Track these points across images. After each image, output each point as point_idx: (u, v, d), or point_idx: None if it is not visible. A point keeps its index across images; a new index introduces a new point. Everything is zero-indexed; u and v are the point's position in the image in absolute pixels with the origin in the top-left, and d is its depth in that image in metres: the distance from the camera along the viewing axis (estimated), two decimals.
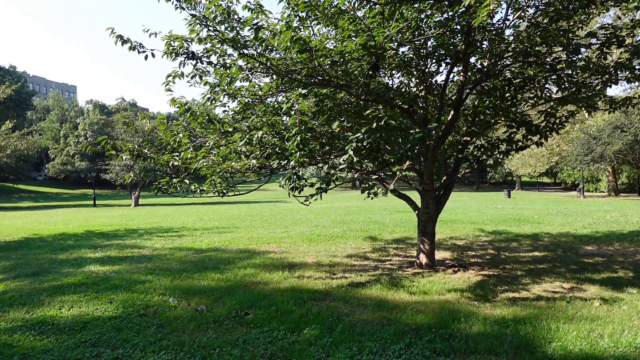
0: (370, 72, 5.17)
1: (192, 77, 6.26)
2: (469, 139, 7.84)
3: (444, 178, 7.79)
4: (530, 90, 7.35)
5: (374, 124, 5.31)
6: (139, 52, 5.88)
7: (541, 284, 6.01)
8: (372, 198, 5.52)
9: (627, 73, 6.48)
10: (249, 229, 14.11)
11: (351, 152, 5.49)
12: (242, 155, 6.84)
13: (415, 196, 8.22)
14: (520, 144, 7.52)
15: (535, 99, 7.56)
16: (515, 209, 21.10)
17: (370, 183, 5.72)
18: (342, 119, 5.71)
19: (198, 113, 5.21)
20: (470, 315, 4.59)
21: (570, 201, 30.61)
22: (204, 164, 5.39)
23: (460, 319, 4.50)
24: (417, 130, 5.43)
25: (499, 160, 7.78)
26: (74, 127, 66.61)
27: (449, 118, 7.21)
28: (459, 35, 5.80)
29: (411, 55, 6.01)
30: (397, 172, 4.89)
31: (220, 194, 5.93)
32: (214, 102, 5.24)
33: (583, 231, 11.91)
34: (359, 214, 19.25)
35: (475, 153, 7.68)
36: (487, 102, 7.48)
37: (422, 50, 6.38)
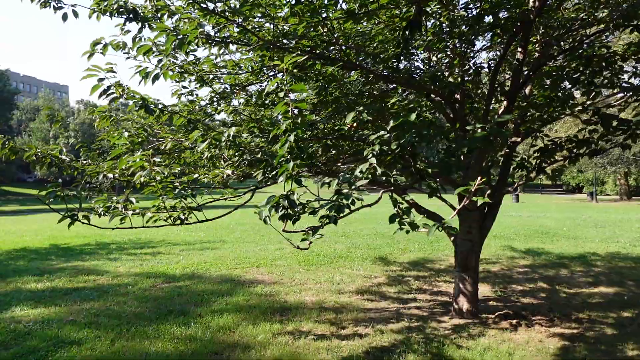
0: (406, 33, 3.19)
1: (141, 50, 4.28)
2: (518, 139, 5.90)
3: (488, 192, 5.82)
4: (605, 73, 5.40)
5: (413, 116, 3.34)
6: (55, 9, 3.94)
7: None
8: (407, 232, 3.57)
9: None
10: (237, 244, 12.11)
11: (373, 160, 3.54)
12: (218, 162, 4.89)
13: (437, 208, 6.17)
14: (593, 145, 5.55)
15: (609, 85, 5.61)
16: (533, 218, 19.17)
17: (402, 206, 3.76)
18: (361, 108, 3.75)
19: (122, 96, 3.24)
20: None
21: (586, 207, 28.74)
22: (141, 176, 3.41)
23: None
24: (478, 126, 3.47)
25: (564, 167, 5.82)
26: (65, 128, 64.25)
27: (500, 110, 5.27)
28: None
29: (463, 13, 4.01)
30: (463, 193, 2.94)
31: (176, 222, 3.95)
32: (156, 78, 3.27)
33: (636, 251, 9.96)
34: (362, 223, 17.24)
35: (532, 159, 5.72)
36: (549, 89, 5.52)
37: (471, 11, 4.40)
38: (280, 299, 6.29)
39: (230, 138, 3.50)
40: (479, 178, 2.83)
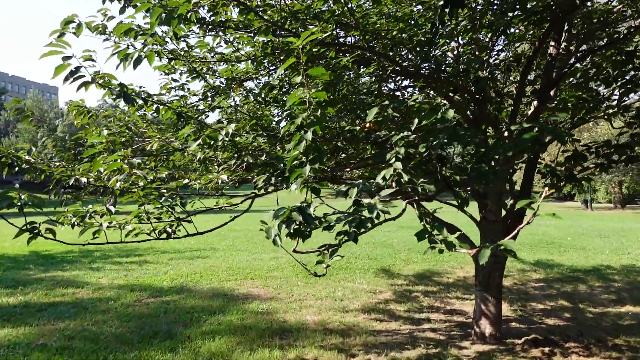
0: (445, 11, 2.62)
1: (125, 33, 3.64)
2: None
3: (511, 202, 5.27)
4: None
5: (450, 112, 2.76)
6: None
7: None
8: (441, 252, 2.99)
9: None
10: (229, 253, 11.43)
11: (398, 164, 2.96)
12: (211, 165, 4.28)
13: (452, 218, 5.57)
14: (628, 152, 5.01)
15: None
16: (534, 225, 18.68)
17: (430, 221, 3.18)
18: (386, 102, 3.17)
19: (95, 81, 2.61)
20: None
21: (582, 215, 28.46)
22: (118, 180, 2.79)
23: None
24: (525, 125, 2.91)
25: (592, 176, 5.28)
26: (53, 129, 62.94)
27: (530, 111, 4.73)
28: None
29: None
30: (527, 206, 2.37)
31: (162, 236, 3.33)
32: (138, 62, 2.65)
33: None
34: None
35: (559, 165, 5.17)
36: (580, 89, 5.00)
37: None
38: (278, 318, 5.66)
39: (228, 137, 2.88)
40: (546, 189, 2.24)
